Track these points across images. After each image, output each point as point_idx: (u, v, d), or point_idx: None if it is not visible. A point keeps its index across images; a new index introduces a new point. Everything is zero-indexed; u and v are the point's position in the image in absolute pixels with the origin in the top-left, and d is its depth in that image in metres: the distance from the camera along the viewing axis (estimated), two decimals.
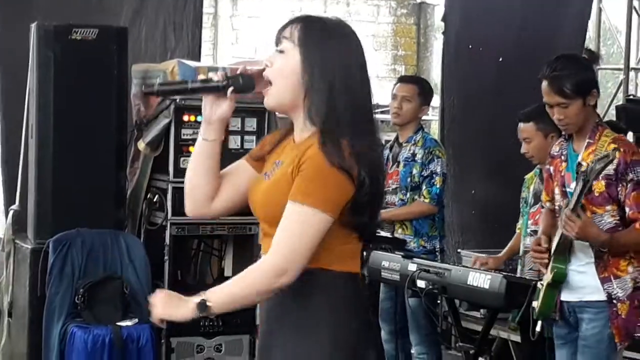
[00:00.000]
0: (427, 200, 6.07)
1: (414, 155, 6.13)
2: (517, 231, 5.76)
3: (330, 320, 2.91)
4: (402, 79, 6.57)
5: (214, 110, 3.00)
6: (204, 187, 3.04)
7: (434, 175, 6.08)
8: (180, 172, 6.81)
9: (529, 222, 5.57)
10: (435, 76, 13.30)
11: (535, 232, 5.40)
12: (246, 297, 2.91)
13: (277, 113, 3.18)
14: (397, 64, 13.26)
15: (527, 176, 5.75)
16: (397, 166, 6.18)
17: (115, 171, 6.76)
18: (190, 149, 6.85)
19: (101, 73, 6.68)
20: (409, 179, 6.13)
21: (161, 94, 2.97)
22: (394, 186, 6.17)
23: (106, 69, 6.71)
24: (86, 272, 6.50)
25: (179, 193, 6.74)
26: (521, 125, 5.54)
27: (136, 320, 6.45)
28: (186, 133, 6.88)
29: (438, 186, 6.08)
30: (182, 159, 6.86)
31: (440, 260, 5.99)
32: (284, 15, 13.05)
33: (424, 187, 6.09)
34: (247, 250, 6.98)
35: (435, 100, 10.36)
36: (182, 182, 6.53)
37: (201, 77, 3.00)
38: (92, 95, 6.66)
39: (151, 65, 7.23)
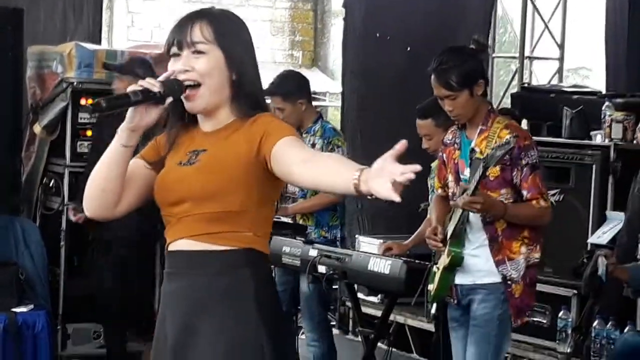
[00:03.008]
0: None
1: (313, 145, 6.08)
2: (428, 216, 5.80)
3: (256, 293, 2.96)
4: (266, 92, 6.34)
5: (143, 119, 2.96)
6: (114, 192, 3.01)
7: None
8: (77, 156, 6.75)
9: None
10: (332, 62, 13.37)
11: None
12: None
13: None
14: (294, 50, 13.24)
15: (433, 165, 5.78)
16: None
17: (10, 155, 6.67)
18: (88, 133, 6.79)
19: None
20: None
21: (108, 110, 2.91)
22: None
23: (1, 51, 6.59)
24: None
25: (75, 177, 6.70)
26: (419, 121, 5.55)
27: (32, 306, 6.38)
28: (83, 117, 6.83)
29: None
30: (79, 142, 6.81)
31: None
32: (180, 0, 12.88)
33: None
34: None
35: (335, 86, 10.43)
36: (79, 167, 6.58)
37: (137, 87, 2.92)
38: None
39: (47, 47, 7.12)
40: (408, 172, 2.53)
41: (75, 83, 6.77)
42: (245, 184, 2.92)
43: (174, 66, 2.99)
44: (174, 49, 3.00)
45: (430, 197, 5.75)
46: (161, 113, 2.98)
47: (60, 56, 6.86)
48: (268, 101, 6.29)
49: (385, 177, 2.55)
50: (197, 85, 2.96)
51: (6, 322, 6.22)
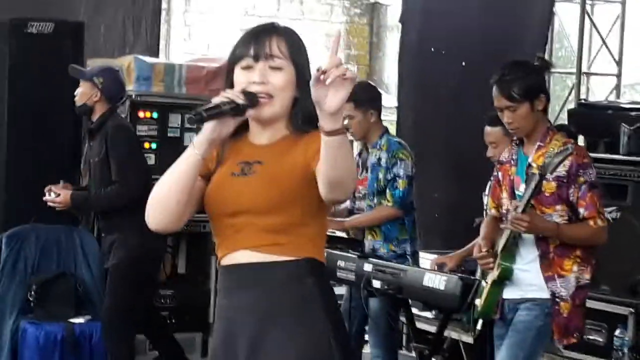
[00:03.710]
0: (390, 204, 6.04)
1: (379, 160, 6.09)
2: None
3: (323, 301, 3.00)
4: None
5: (221, 130, 2.97)
6: (185, 204, 3.02)
7: (397, 179, 6.05)
8: None
9: None
10: (387, 76, 13.36)
11: None
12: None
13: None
14: (349, 64, 13.27)
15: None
16: (366, 172, 6.13)
17: (69, 167, 6.72)
18: (146, 145, 6.84)
19: (57, 67, 6.64)
20: (375, 184, 6.09)
21: (207, 120, 2.93)
22: (363, 192, 6.11)
23: (62, 64, 6.65)
24: (39, 268, 6.47)
25: None
26: (488, 128, 5.58)
27: (89, 317, 6.43)
28: (141, 129, 6.88)
29: (401, 189, 6.04)
30: None
31: (412, 264, 5.95)
32: (236, 12, 12.92)
33: (387, 191, 6.05)
34: (200, 247, 6.97)
35: (390, 100, 10.41)
36: None
37: (224, 99, 2.94)
38: (48, 90, 6.63)
39: (107, 60, 7.19)
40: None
41: (134, 96, 6.83)
42: (305, 196, 2.94)
43: (247, 78, 3.01)
44: (248, 61, 3.02)
45: (485, 213, 5.73)
46: (237, 124, 3.00)
47: (119, 69, 6.91)
48: None
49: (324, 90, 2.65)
50: (268, 97, 3.00)
51: (64, 332, 6.27)
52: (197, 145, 2.97)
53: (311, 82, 2.67)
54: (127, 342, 6.28)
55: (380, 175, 6.08)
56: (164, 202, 3.01)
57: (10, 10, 6.84)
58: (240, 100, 2.95)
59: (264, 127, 3.06)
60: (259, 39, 3.02)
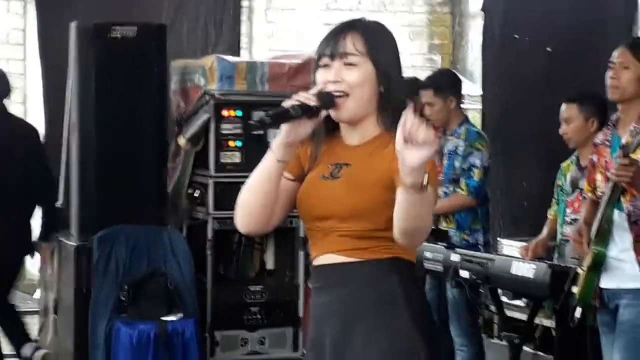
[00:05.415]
0: (464, 193, 6.06)
1: (456, 148, 6.10)
2: (550, 217, 5.74)
3: (407, 300, 2.98)
4: (419, 85, 6.40)
5: (298, 132, 2.97)
6: (271, 206, 3.04)
7: (473, 168, 6.06)
8: (220, 167, 6.86)
9: (568, 210, 5.57)
10: (471, 65, 13.27)
11: (574, 220, 5.39)
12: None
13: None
14: (432, 53, 13.21)
15: (564, 164, 5.74)
16: (442, 158, 6.14)
17: (157, 167, 6.80)
18: (230, 143, 6.89)
19: (141, 70, 6.74)
20: (451, 172, 6.11)
21: (272, 126, 2.94)
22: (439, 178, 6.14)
23: (146, 66, 6.76)
24: (130, 269, 6.56)
25: (220, 188, 6.82)
26: (564, 105, 5.59)
27: (180, 314, 6.51)
28: (226, 128, 6.92)
29: (476, 179, 6.04)
30: (222, 153, 6.90)
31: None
32: (318, 8, 12.93)
33: (462, 180, 6.07)
34: (288, 243, 7.01)
35: (474, 89, 10.36)
36: (223, 177, 6.71)
37: (295, 102, 2.93)
38: (133, 93, 6.72)
39: (190, 61, 7.27)
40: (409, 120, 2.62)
41: (217, 95, 6.87)
42: (389, 204, 2.88)
43: (324, 76, 3.02)
44: (325, 60, 3.03)
45: (556, 198, 5.69)
46: (315, 126, 3.00)
47: (202, 69, 6.98)
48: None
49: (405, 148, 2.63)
50: (345, 96, 2.99)
51: (156, 330, 6.36)
52: (274, 149, 2.99)
53: (397, 145, 2.62)
54: None
55: (457, 164, 6.09)
56: (249, 206, 3.05)
57: (93, 16, 6.96)
58: (312, 102, 2.94)
59: (352, 127, 3.06)
60: (334, 38, 3.02)
